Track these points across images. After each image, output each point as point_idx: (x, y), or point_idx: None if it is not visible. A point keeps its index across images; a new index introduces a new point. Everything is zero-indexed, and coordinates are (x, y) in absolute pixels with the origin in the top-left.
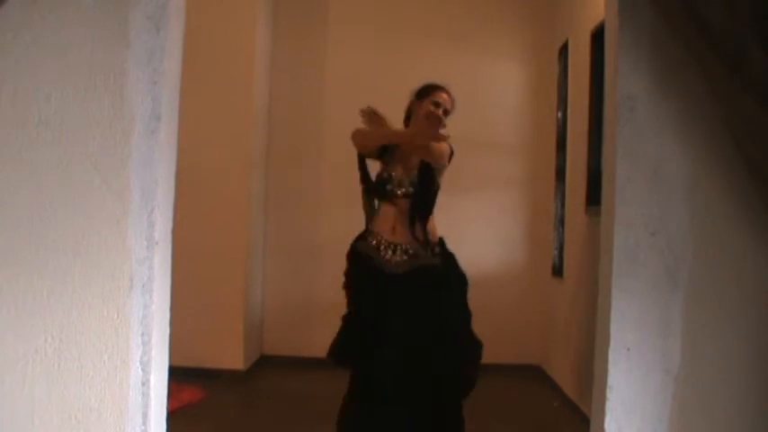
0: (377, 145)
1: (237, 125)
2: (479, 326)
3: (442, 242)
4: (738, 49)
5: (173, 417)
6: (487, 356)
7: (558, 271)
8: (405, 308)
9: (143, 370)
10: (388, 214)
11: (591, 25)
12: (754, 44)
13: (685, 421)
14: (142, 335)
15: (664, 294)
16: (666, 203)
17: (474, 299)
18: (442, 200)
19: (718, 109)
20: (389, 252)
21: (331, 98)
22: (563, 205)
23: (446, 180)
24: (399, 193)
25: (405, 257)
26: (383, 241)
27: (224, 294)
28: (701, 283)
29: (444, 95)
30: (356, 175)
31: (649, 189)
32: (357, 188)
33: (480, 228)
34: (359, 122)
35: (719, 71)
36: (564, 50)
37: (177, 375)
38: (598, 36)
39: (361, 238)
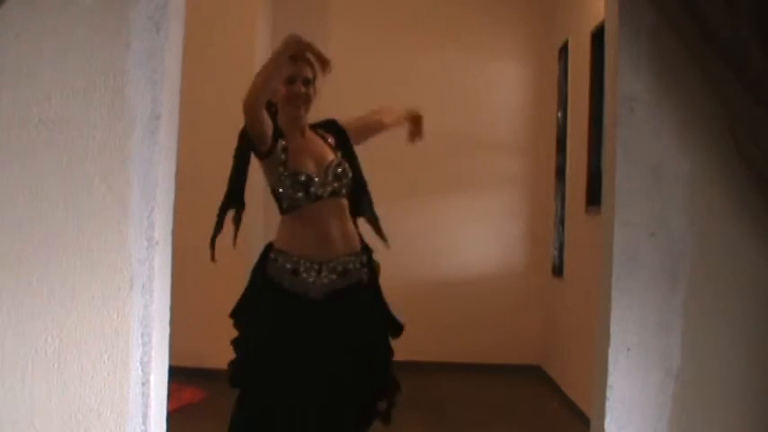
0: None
1: (237, 125)
2: (480, 326)
3: (368, 250)
4: (738, 49)
5: (173, 417)
6: (487, 357)
7: (558, 271)
8: (327, 337)
9: (143, 370)
10: (316, 223)
11: (591, 25)
12: (754, 44)
13: (685, 421)
14: (142, 335)
15: (664, 294)
16: (666, 203)
17: (474, 299)
18: (442, 200)
19: (718, 109)
20: (313, 274)
21: (330, 98)
22: (563, 205)
23: (446, 180)
24: (326, 193)
25: (333, 276)
26: (302, 262)
27: (224, 294)
28: (701, 283)
29: (298, 66)
30: None
31: (649, 189)
32: None
33: (480, 228)
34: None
35: (719, 71)
36: (564, 50)
37: (177, 375)
38: (598, 36)
39: (266, 259)
